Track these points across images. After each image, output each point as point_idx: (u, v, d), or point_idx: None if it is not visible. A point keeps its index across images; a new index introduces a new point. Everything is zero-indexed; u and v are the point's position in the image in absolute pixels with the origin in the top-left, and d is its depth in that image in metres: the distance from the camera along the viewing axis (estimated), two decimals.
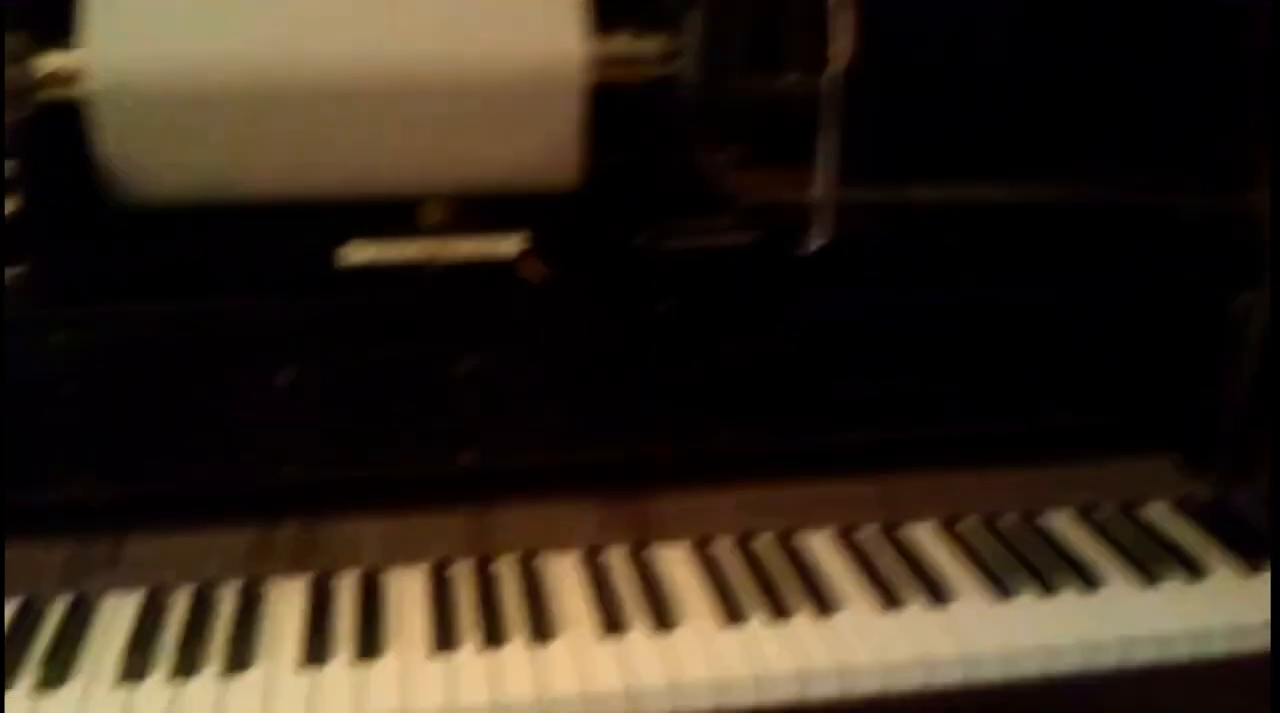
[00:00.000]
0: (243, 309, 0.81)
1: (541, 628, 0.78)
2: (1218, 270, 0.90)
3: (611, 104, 0.84)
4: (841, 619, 0.80)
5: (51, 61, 0.78)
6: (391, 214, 0.84)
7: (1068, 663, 0.78)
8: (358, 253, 0.83)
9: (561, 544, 0.86)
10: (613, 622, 0.79)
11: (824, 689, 0.75)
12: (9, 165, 0.79)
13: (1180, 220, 0.92)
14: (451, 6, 0.82)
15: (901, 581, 0.83)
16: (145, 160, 0.80)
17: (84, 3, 0.78)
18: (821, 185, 0.85)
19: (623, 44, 0.83)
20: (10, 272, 0.79)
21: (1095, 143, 0.92)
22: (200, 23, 0.79)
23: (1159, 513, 0.92)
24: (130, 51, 0.78)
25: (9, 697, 0.72)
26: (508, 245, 0.84)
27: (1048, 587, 0.83)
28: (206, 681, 0.74)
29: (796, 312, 0.87)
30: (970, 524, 0.90)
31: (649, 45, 0.84)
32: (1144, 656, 0.79)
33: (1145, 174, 0.91)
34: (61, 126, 0.79)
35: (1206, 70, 0.92)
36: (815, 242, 0.87)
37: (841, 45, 0.84)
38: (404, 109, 0.82)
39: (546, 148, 0.84)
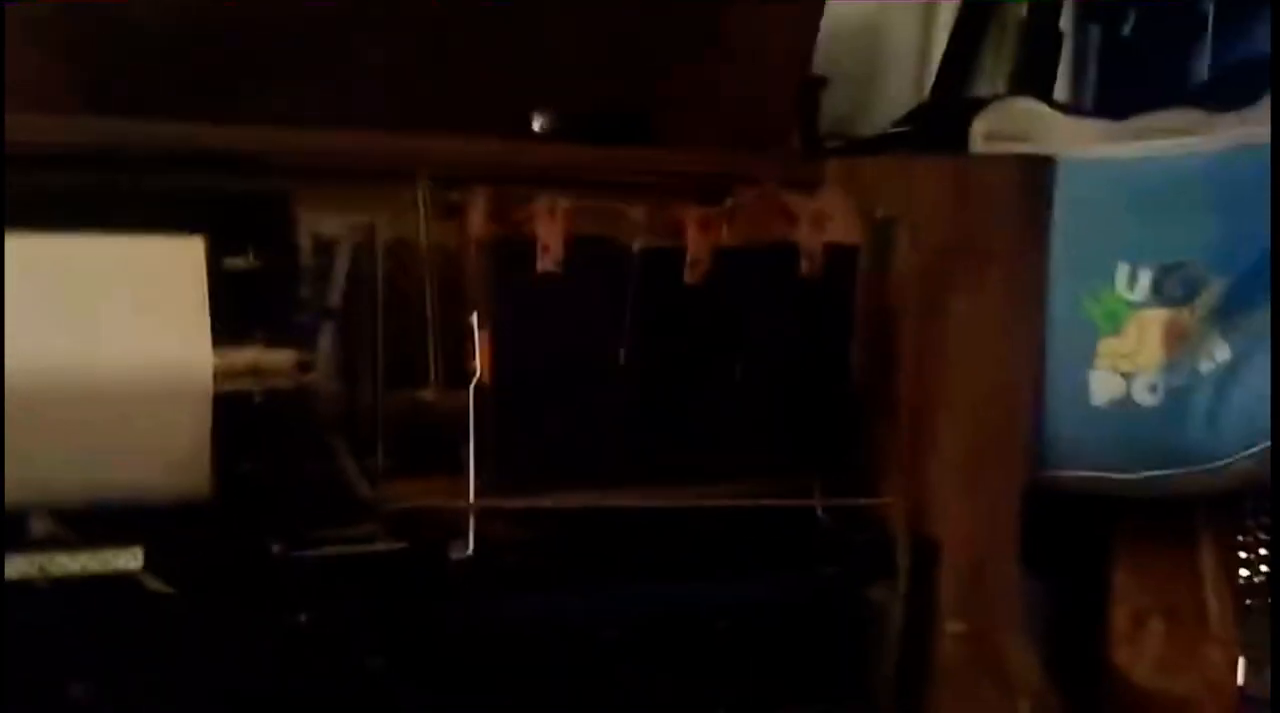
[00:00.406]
0: None
1: None
2: (855, 565, 0.95)
3: (243, 414, 0.83)
4: None
5: None
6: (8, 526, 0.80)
7: None
8: None
9: None
10: None
11: None
12: None
13: (817, 521, 0.97)
14: (76, 312, 0.81)
15: None
16: None
17: None
18: (464, 493, 0.87)
19: (252, 355, 0.84)
20: None
21: (733, 450, 0.97)
22: None
23: None
24: None
25: None
26: (126, 559, 0.80)
27: None
28: None
29: (441, 618, 0.86)
30: None
31: (280, 357, 0.85)
32: None
33: (781, 478, 0.96)
34: None
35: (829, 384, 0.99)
36: (460, 550, 0.87)
37: (479, 361, 0.88)
38: (25, 416, 0.79)
39: (174, 456, 0.82)
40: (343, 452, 0.87)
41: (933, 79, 1.27)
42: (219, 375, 0.82)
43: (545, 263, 0.93)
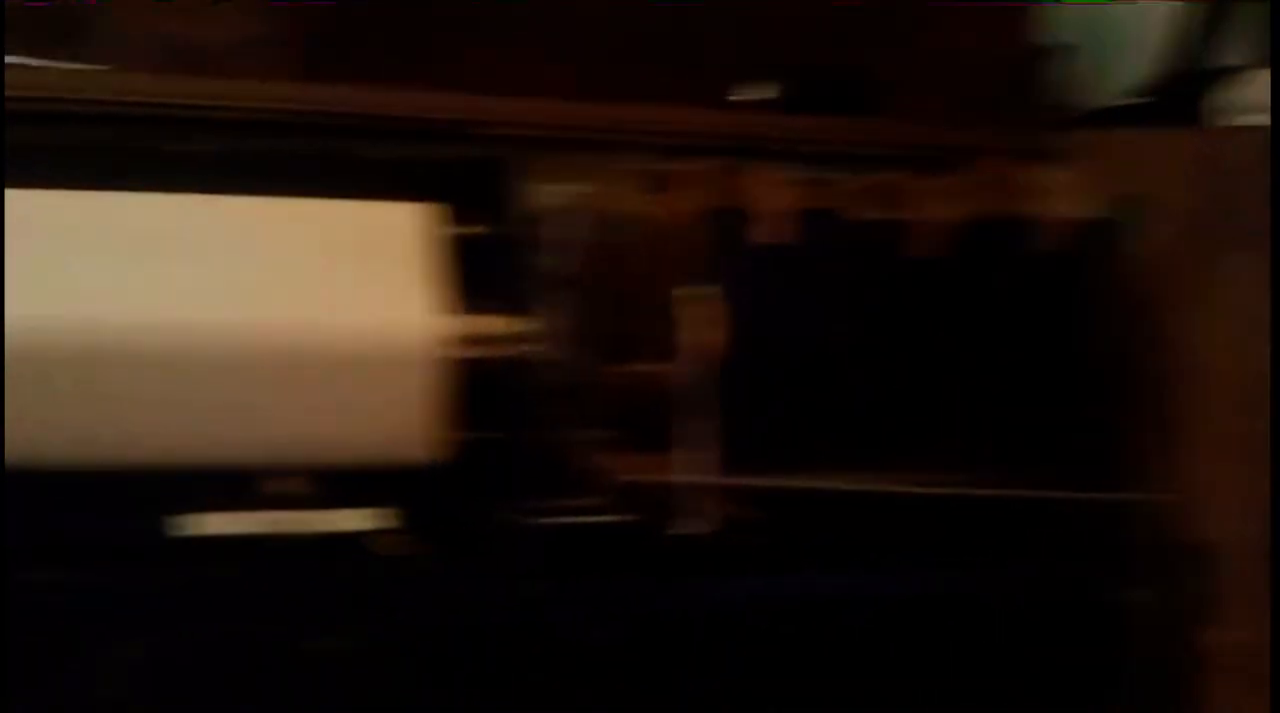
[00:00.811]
0: (87, 580, 0.77)
1: None
2: (1108, 564, 0.90)
3: (470, 381, 0.83)
4: None
5: None
6: (240, 485, 0.81)
7: None
8: (208, 524, 0.79)
9: None
10: None
11: None
12: None
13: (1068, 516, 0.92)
14: (306, 277, 0.82)
15: None
16: None
17: None
18: (694, 470, 0.85)
19: (478, 322, 0.83)
20: None
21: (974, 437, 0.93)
22: (47, 286, 0.78)
23: None
24: None
25: None
26: (361, 519, 0.81)
27: None
28: None
29: (668, 596, 0.85)
30: None
31: (504, 324, 0.84)
32: None
33: (1028, 469, 0.92)
34: None
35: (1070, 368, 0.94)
36: (689, 526, 0.86)
37: (698, 336, 0.86)
38: (258, 379, 0.80)
39: (402, 422, 0.82)
40: (567, 422, 0.86)
41: (1172, 47, 1.20)
42: (447, 343, 0.82)
43: (765, 235, 0.90)
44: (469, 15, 1.09)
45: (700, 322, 0.87)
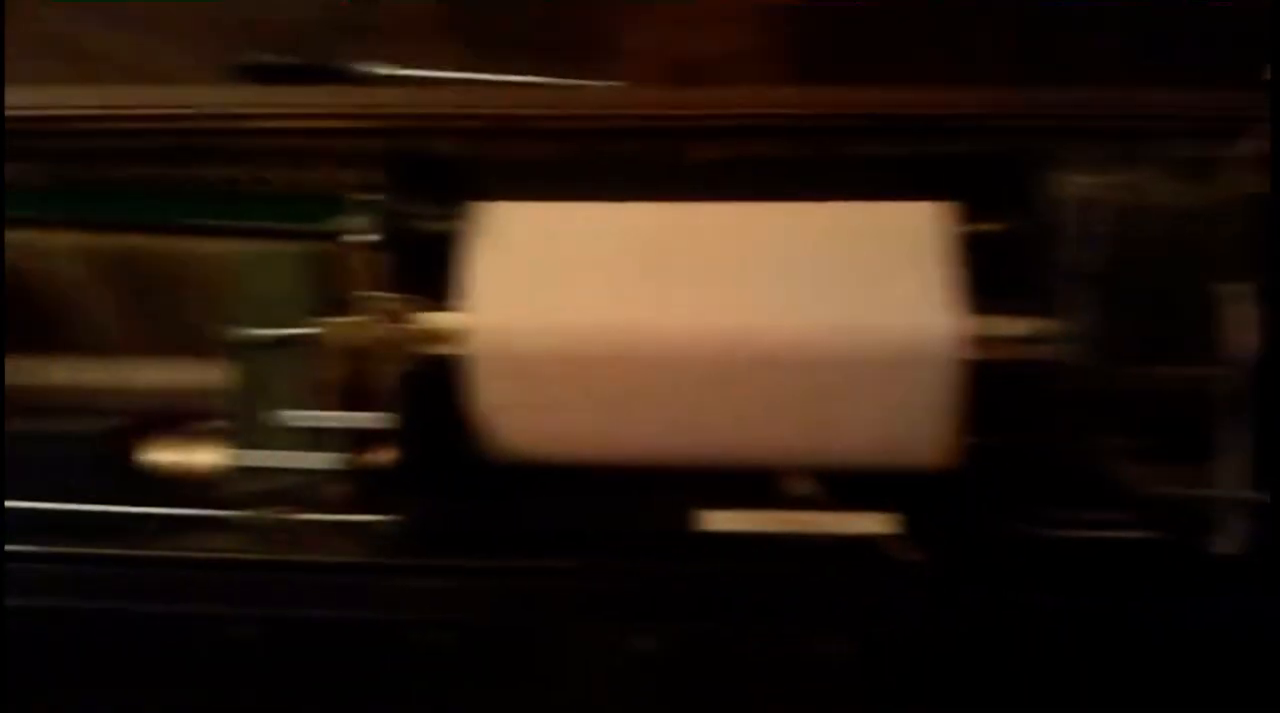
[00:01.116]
0: (603, 570, 0.80)
1: None
2: None
3: (992, 384, 0.79)
4: None
5: (434, 320, 0.82)
6: (754, 485, 0.83)
7: None
8: (719, 521, 0.80)
9: None
10: None
11: None
12: (389, 417, 0.83)
13: None
14: (818, 280, 0.81)
15: None
16: (518, 421, 0.82)
17: (471, 271, 0.82)
18: (1231, 483, 0.78)
19: (1001, 322, 0.80)
20: (383, 520, 0.82)
21: None
22: (577, 295, 0.82)
23: None
24: (512, 318, 0.82)
25: None
26: (875, 523, 0.79)
27: None
28: None
29: (1198, 621, 0.77)
30: None
31: (1029, 325, 0.80)
32: None
33: None
34: (437, 381, 0.82)
35: None
36: (1224, 544, 0.78)
37: (1236, 336, 0.78)
38: (772, 382, 0.81)
39: (920, 425, 0.80)
40: (1090, 429, 0.81)
41: None
42: (968, 343, 0.79)
43: None
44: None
45: (1239, 321, 0.79)
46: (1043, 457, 0.80)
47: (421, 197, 0.84)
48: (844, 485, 0.82)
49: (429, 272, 0.82)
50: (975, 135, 0.87)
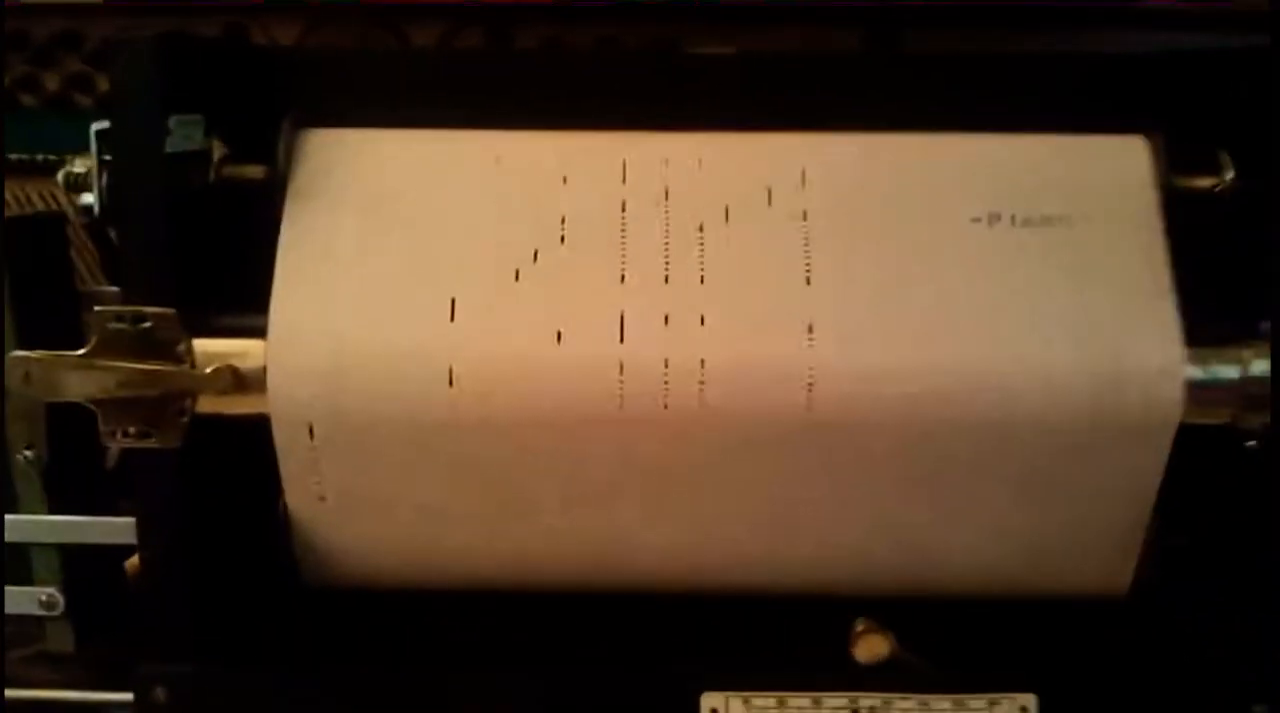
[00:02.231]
0: None
1: None
2: None
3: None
4: None
5: (213, 353, 0.45)
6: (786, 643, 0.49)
7: None
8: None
9: None
10: None
11: None
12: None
13: None
14: (919, 283, 0.47)
15: None
16: (354, 525, 0.48)
17: (284, 264, 0.46)
18: None
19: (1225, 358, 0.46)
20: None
21: None
22: (450, 306, 0.46)
23: None
24: (350, 351, 0.46)
25: None
26: None
27: None
28: None
29: None
30: None
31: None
32: None
33: None
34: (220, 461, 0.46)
35: None
36: None
37: None
38: (844, 452, 0.47)
39: (1099, 529, 0.46)
40: None
41: None
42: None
43: None
44: None
45: None
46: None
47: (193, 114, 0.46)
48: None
49: (207, 264, 0.47)
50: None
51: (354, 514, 0.47)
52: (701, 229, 0.47)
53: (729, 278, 0.46)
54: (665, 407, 0.44)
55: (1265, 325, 0.46)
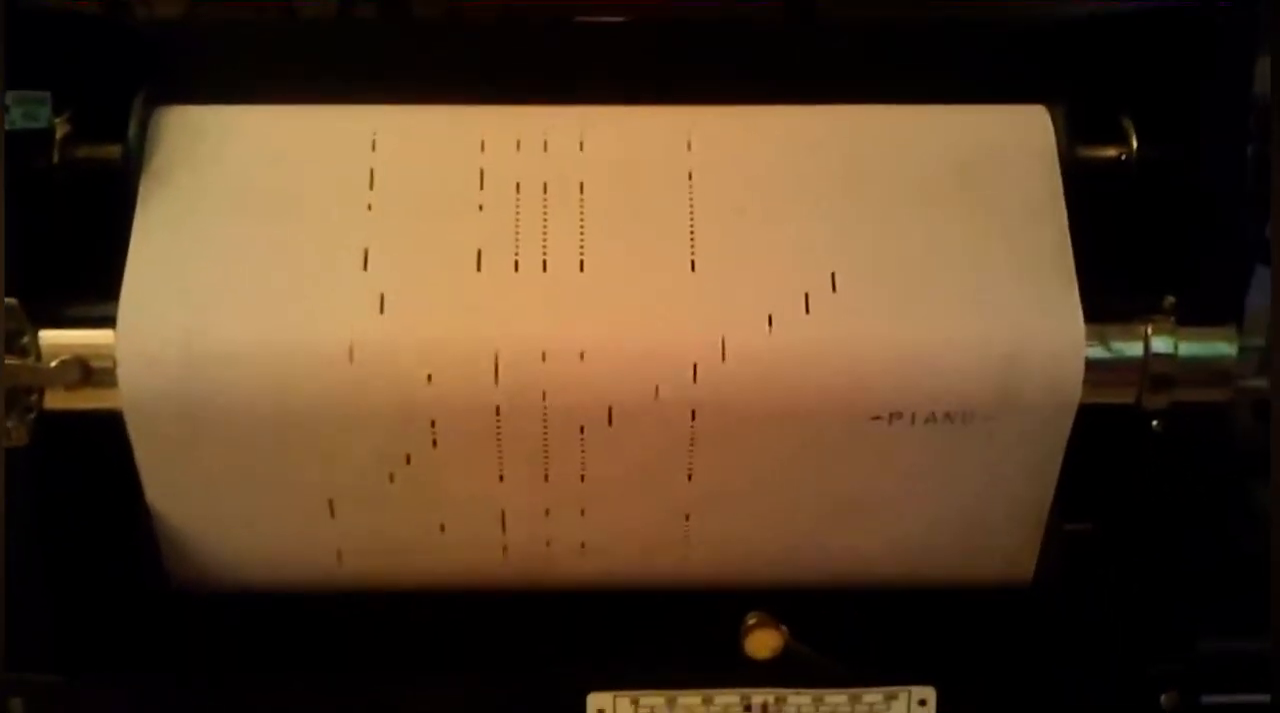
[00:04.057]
0: None
1: None
2: None
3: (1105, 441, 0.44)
4: None
5: (61, 345, 0.43)
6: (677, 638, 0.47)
7: None
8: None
9: None
10: None
11: None
12: None
13: None
14: (846, 260, 0.44)
15: None
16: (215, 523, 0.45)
17: (139, 249, 0.44)
18: None
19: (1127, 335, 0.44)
20: None
21: None
22: (331, 293, 0.44)
23: None
24: (204, 341, 0.43)
25: None
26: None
27: None
28: None
29: None
30: None
31: (1200, 343, 0.44)
32: None
33: None
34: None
35: None
36: None
37: None
38: (740, 439, 0.44)
39: (1000, 512, 0.44)
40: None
41: None
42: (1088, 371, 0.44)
43: None
44: None
45: None
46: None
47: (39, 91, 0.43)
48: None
49: (59, 250, 0.45)
50: None
51: (216, 511, 0.45)
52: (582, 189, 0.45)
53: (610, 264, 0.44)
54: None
55: (1169, 300, 0.45)
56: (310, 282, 0.43)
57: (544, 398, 0.42)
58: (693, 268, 0.43)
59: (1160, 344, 0.44)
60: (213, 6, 0.62)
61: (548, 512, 0.44)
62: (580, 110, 0.47)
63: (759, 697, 0.45)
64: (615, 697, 0.45)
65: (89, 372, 0.42)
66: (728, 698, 0.45)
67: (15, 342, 0.42)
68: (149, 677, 0.45)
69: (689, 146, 0.45)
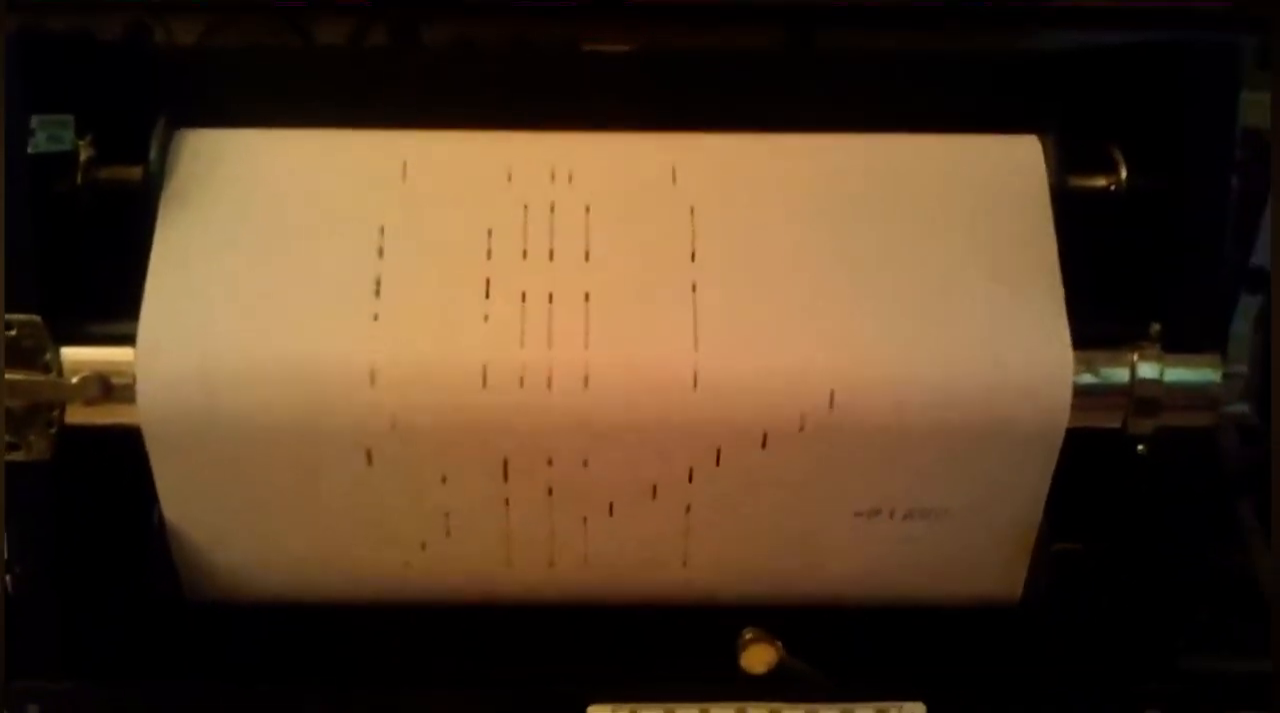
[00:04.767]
0: None
1: None
2: None
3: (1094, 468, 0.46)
4: None
5: (82, 363, 0.44)
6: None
7: None
8: None
9: None
10: None
11: None
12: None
13: None
14: (826, 284, 0.46)
15: None
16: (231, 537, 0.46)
17: (158, 272, 0.45)
18: None
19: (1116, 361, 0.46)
20: None
21: None
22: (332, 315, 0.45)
23: None
24: (224, 360, 0.45)
25: None
26: None
27: None
28: None
29: None
30: None
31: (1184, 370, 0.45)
32: None
33: None
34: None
35: None
36: None
37: None
38: (738, 459, 0.45)
39: (992, 535, 0.45)
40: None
41: None
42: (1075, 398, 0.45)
43: None
44: None
45: None
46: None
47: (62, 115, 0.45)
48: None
49: (82, 269, 0.47)
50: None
51: (231, 526, 0.46)
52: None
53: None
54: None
55: (1155, 327, 0.46)
56: (328, 304, 0.44)
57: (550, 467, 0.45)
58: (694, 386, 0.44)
59: (1147, 370, 0.45)
60: (229, 33, 0.64)
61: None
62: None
63: (754, 710, 0.46)
64: (615, 709, 0.46)
65: (109, 388, 0.43)
66: (724, 711, 0.46)
67: (38, 358, 0.44)
68: (161, 686, 0.47)
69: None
